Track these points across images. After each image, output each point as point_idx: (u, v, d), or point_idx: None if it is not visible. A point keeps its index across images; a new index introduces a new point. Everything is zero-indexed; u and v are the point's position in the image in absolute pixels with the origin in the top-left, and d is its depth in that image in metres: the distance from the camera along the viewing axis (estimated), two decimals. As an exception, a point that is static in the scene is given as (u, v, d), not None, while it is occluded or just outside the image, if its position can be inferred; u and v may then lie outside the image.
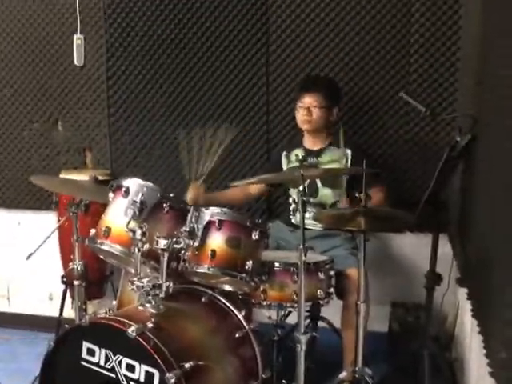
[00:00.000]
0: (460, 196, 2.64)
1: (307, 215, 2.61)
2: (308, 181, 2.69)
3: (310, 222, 2.70)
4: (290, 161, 2.98)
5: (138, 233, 2.13)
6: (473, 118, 2.30)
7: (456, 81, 3.06)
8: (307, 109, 2.85)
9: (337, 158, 2.88)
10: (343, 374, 2.43)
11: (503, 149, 1.66)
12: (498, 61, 1.86)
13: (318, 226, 2.83)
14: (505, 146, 1.63)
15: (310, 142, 2.96)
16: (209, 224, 2.23)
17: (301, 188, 2.11)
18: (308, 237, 2.78)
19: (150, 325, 2.00)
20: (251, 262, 2.22)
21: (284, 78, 3.28)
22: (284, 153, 3.02)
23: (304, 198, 2.11)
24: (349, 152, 2.87)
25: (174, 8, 3.32)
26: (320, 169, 2.75)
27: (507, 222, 1.51)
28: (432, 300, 2.49)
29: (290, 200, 2.91)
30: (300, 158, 2.21)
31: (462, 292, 2.44)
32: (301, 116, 2.88)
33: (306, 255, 2.12)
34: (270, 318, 2.48)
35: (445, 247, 2.69)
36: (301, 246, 2.10)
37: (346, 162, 2.87)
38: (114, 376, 2.03)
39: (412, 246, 3.27)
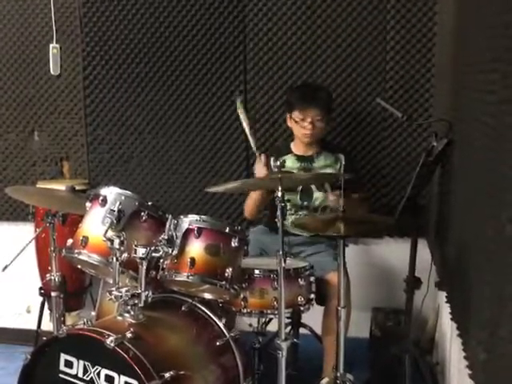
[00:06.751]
0: (438, 200, 2.66)
1: (291, 219, 2.64)
2: (301, 186, 2.82)
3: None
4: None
5: (116, 242, 2.11)
6: (448, 123, 2.32)
7: (432, 86, 3.10)
8: (311, 122, 2.80)
9: (330, 163, 2.89)
10: (325, 380, 2.42)
11: (476, 152, 1.68)
12: (473, 66, 1.88)
13: (305, 232, 2.83)
14: (478, 150, 1.65)
15: (301, 149, 2.92)
16: (187, 232, 2.21)
17: (279, 194, 2.10)
18: (294, 243, 2.80)
19: (128, 335, 1.98)
20: (231, 269, 2.20)
21: (262, 85, 3.29)
22: (272, 159, 3.00)
23: (283, 204, 2.11)
24: (342, 157, 2.85)
25: (151, 17, 3.31)
26: (301, 174, 2.77)
27: (483, 225, 1.52)
28: (412, 304, 2.50)
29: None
30: (279, 163, 2.21)
31: (442, 295, 2.45)
32: (303, 129, 2.82)
33: (285, 261, 2.11)
34: (250, 325, 2.47)
35: (424, 252, 2.71)
36: (280, 252, 2.09)
37: (340, 166, 2.84)
38: (92, 388, 2.00)
39: (391, 251, 3.29)
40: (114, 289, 2.12)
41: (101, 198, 2.24)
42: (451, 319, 2.08)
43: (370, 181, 3.22)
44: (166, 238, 2.18)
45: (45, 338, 2.14)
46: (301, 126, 2.83)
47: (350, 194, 2.79)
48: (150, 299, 2.15)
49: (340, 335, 2.32)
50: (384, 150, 3.20)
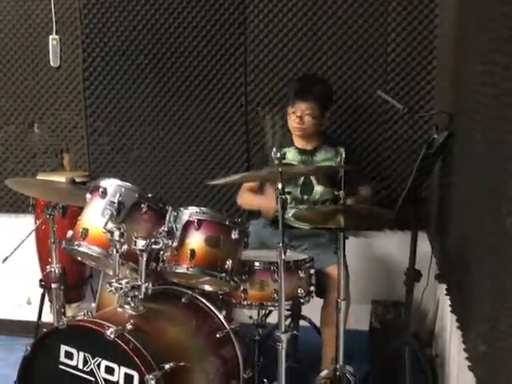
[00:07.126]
0: (438, 193, 2.66)
1: (291, 213, 2.63)
2: (302, 178, 2.80)
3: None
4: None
5: (116, 234, 2.11)
6: (449, 115, 2.31)
7: (433, 79, 3.09)
8: (299, 116, 2.79)
9: (330, 157, 2.88)
10: (324, 372, 2.43)
11: (477, 145, 1.68)
12: (473, 58, 1.87)
13: (306, 225, 2.83)
14: (478, 142, 1.65)
15: (301, 142, 2.92)
16: (188, 224, 2.21)
17: (279, 186, 2.10)
18: (295, 235, 2.80)
19: (129, 326, 1.98)
20: (231, 261, 2.21)
21: (262, 78, 3.28)
22: (273, 151, 2.99)
23: (283, 197, 2.10)
24: (342, 150, 2.86)
25: (151, 8, 3.30)
26: (298, 167, 2.76)
27: (483, 218, 1.52)
28: (412, 297, 2.50)
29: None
30: (280, 155, 2.21)
31: (442, 288, 2.45)
32: (293, 123, 2.83)
33: (285, 254, 2.11)
34: (251, 317, 2.47)
35: (424, 244, 2.71)
36: (280, 244, 2.09)
37: (340, 160, 2.85)
38: (92, 379, 2.00)
39: (391, 244, 3.29)
40: (114, 280, 2.13)
41: (101, 189, 2.24)
42: (451, 312, 2.08)
43: (371, 173, 3.22)
44: (166, 229, 2.19)
45: (45, 330, 2.14)
46: (291, 119, 2.84)
47: (356, 190, 2.80)
48: (150, 291, 2.15)
49: (340, 327, 2.33)
50: (385, 143, 3.20)
